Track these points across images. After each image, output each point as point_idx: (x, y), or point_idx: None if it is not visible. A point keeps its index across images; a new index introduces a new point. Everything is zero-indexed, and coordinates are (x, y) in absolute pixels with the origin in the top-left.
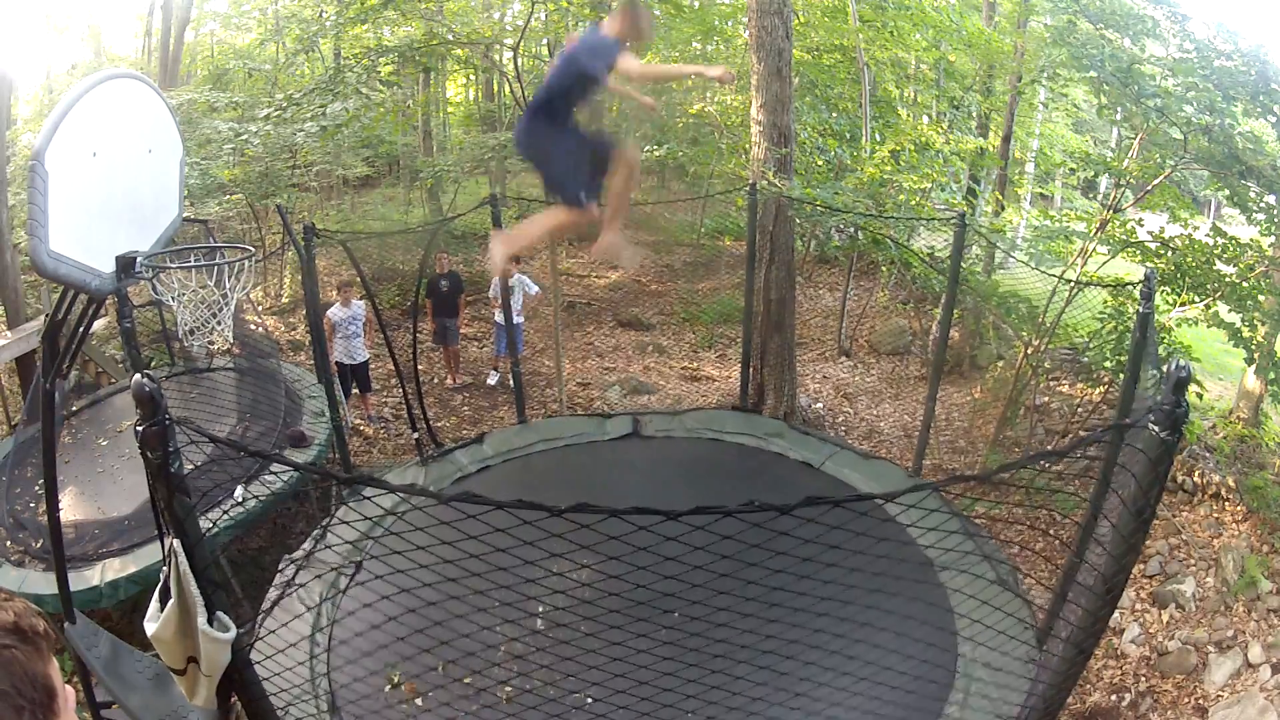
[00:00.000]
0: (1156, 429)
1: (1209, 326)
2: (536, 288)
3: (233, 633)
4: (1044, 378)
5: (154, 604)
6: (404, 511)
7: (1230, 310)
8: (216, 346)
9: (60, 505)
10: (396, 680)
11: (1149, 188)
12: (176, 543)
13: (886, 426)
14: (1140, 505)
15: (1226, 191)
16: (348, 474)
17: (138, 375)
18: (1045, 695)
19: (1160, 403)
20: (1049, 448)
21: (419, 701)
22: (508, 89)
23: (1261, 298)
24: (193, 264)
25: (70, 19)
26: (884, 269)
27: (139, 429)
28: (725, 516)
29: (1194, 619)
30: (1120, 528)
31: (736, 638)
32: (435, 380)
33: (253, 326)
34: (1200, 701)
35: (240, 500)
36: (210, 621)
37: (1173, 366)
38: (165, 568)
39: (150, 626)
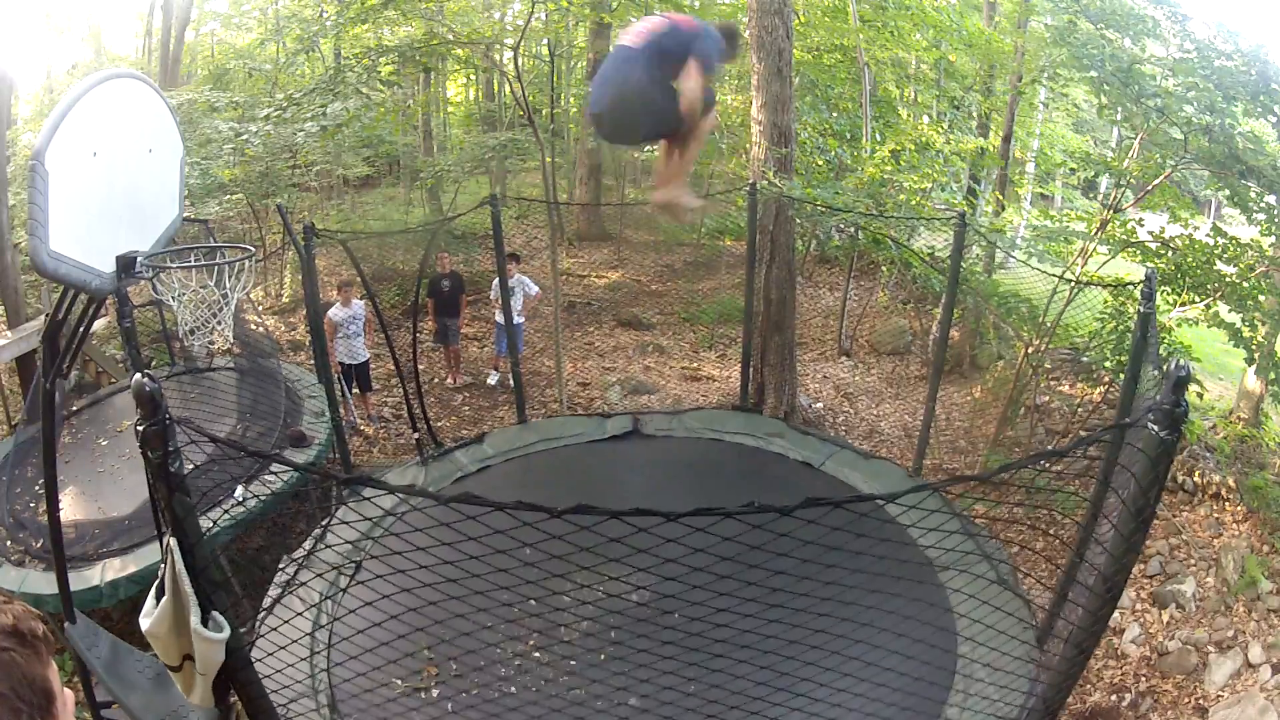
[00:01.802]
0: (1156, 428)
1: (1209, 326)
2: (537, 288)
3: (226, 633)
4: (1044, 378)
5: (150, 599)
6: (404, 512)
7: (1230, 310)
8: (217, 346)
9: (60, 505)
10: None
11: (1149, 188)
12: (172, 540)
13: (887, 426)
14: (1140, 505)
15: (1226, 191)
16: (348, 474)
17: (138, 375)
18: (1045, 695)
19: (1160, 402)
20: (1049, 447)
21: (423, 694)
22: (508, 89)
23: (1261, 298)
24: (193, 264)
25: (70, 19)
26: (884, 269)
27: (139, 428)
28: (725, 518)
29: (1194, 619)
30: (1120, 527)
31: (736, 638)
32: (435, 380)
33: (253, 326)
34: (1200, 701)
35: (240, 500)
36: (205, 621)
37: (1173, 366)
38: (163, 565)
39: (145, 622)
